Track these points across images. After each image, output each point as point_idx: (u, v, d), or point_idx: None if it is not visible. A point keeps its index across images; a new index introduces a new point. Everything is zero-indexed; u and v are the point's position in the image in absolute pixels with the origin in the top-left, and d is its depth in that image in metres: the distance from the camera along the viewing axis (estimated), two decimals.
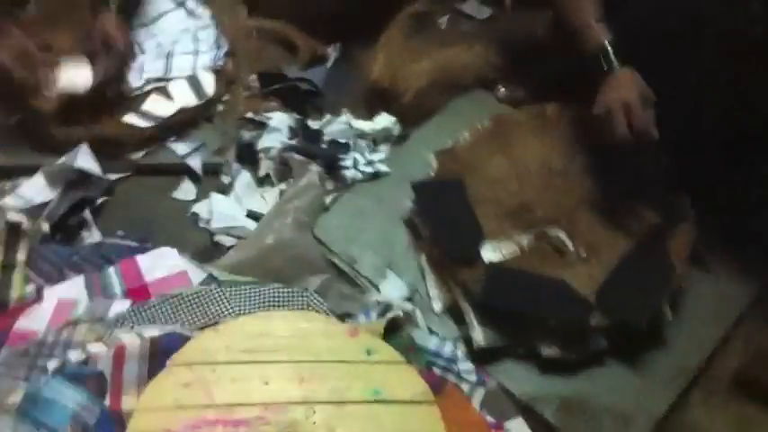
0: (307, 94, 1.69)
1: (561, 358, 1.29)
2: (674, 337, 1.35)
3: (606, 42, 1.35)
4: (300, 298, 1.23)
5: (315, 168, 1.48)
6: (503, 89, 1.70)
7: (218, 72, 1.65)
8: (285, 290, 1.23)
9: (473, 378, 1.27)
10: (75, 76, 1.49)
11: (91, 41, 1.51)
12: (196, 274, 1.25)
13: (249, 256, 1.27)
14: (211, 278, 1.24)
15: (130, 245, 1.33)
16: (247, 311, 1.18)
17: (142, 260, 1.24)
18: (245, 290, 1.22)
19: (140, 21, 1.73)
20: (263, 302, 1.20)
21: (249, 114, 1.62)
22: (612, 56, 1.35)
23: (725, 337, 1.38)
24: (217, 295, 1.20)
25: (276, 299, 1.21)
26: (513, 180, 1.48)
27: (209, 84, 1.63)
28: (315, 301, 1.23)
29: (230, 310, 1.18)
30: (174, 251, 1.28)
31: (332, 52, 1.79)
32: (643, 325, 1.29)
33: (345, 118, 1.63)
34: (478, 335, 1.30)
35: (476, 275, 1.33)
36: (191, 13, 1.76)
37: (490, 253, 1.37)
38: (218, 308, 1.18)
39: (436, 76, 1.67)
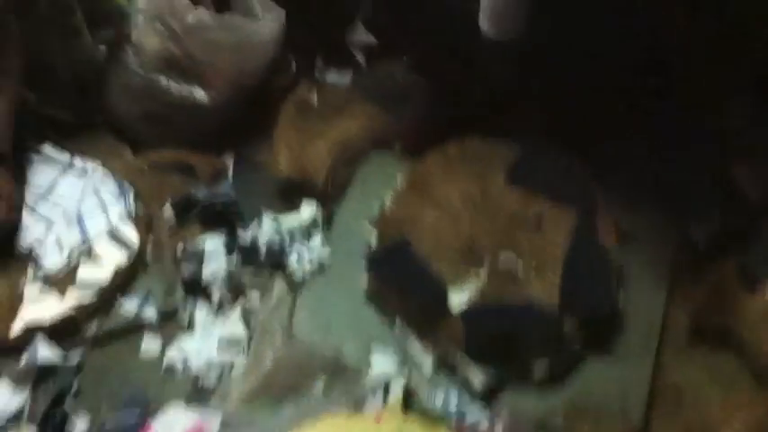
0: (223, 209, 1.73)
1: (551, 371, 1.42)
2: (626, 311, 1.51)
3: None
4: (316, 405, 1.28)
5: (279, 279, 1.54)
6: (400, 144, 1.80)
7: (133, 218, 1.67)
8: (301, 404, 1.28)
9: (487, 417, 1.37)
10: None
11: None
12: (213, 421, 1.27)
13: (255, 384, 1.32)
14: (227, 420, 1.28)
15: (133, 420, 1.34)
16: None
17: (157, 427, 1.26)
18: (266, 419, 1.26)
19: (35, 191, 1.71)
20: (286, 425, 1.25)
21: (179, 248, 1.65)
22: None
23: (668, 297, 1.55)
24: None
25: (296, 416, 1.26)
26: (447, 224, 1.58)
27: (130, 233, 1.64)
28: (330, 402, 1.29)
29: None
30: (181, 406, 1.30)
31: (228, 161, 1.83)
32: (610, 312, 1.45)
33: (270, 219, 1.69)
34: (476, 377, 1.40)
35: (454, 324, 1.43)
36: (82, 172, 1.76)
37: (458, 298, 1.47)
38: None
39: (338, 152, 1.76)
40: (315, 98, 1.96)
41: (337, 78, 2.04)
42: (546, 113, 1.72)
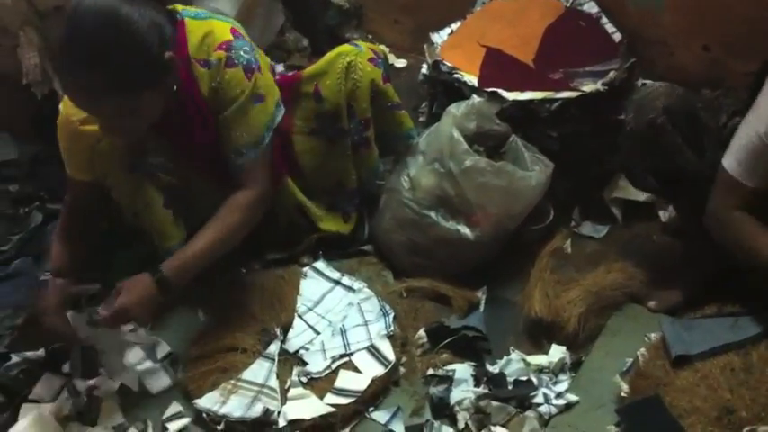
0: (473, 340, 1.80)
1: None
2: None
3: None
4: None
5: (531, 414, 1.57)
6: (653, 301, 1.81)
7: (391, 337, 1.79)
8: None
9: None
10: None
11: None
12: None
13: None
14: None
15: None
16: None
17: None
18: None
19: (306, 303, 1.88)
20: None
21: (430, 371, 1.73)
22: None
23: None
24: None
25: None
26: (702, 387, 1.55)
27: (387, 350, 1.76)
28: None
29: None
30: None
31: (481, 296, 1.92)
32: None
33: (518, 356, 1.74)
34: None
35: None
36: (348, 289, 1.93)
37: None
38: None
39: (591, 301, 1.79)
40: (569, 247, 2.03)
41: (592, 231, 2.10)
42: None
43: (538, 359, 1.73)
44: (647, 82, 2.25)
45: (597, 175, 2.14)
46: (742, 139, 1.57)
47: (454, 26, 2.28)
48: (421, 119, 2.32)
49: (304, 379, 1.72)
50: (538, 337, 1.81)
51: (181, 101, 1.65)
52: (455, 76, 2.05)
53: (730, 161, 1.59)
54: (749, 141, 1.55)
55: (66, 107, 1.72)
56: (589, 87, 1.97)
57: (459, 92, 2.04)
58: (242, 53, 1.67)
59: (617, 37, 2.17)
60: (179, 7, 1.69)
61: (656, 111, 1.63)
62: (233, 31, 1.68)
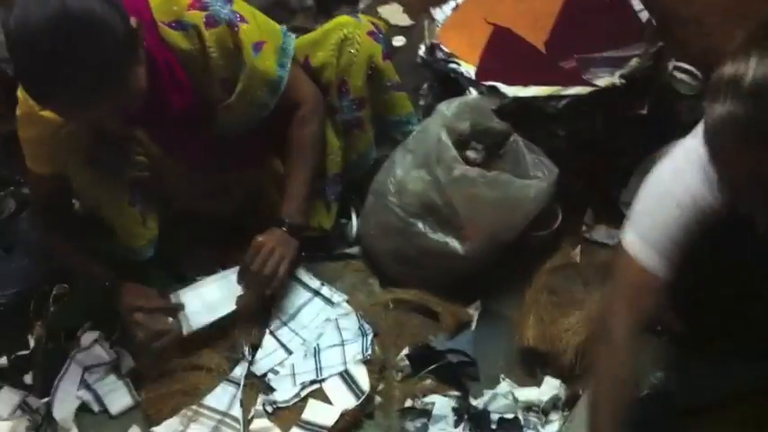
0: (460, 365, 1.63)
1: None
2: None
3: None
4: None
5: None
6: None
7: (367, 362, 1.62)
8: None
9: None
10: None
11: None
12: None
13: None
14: None
15: None
16: None
17: None
18: None
19: (280, 316, 1.73)
20: None
21: (408, 402, 1.57)
22: None
23: None
24: None
25: None
26: None
27: (362, 377, 1.60)
28: None
29: None
30: None
31: (473, 312, 1.74)
32: None
33: (507, 387, 1.57)
34: None
35: None
36: (327, 301, 1.76)
37: None
38: None
39: (592, 327, 1.59)
40: (578, 256, 1.82)
41: (606, 237, 1.87)
42: None
43: (528, 393, 1.56)
44: (679, 65, 2.02)
45: (614, 174, 1.90)
46: (653, 209, 1.14)
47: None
48: (422, 102, 2.09)
49: (269, 408, 1.59)
50: (531, 366, 1.63)
51: (152, 69, 1.46)
52: (451, 65, 1.82)
53: (635, 240, 1.15)
54: (665, 212, 1.12)
55: (24, 94, 1.49)
56: (604, 81, 1.72)
57: (456, 82, 1.81)
58: (219, 8, 1.50)
59: (644, 15, 1.89)
60: None
61: None
62: None
